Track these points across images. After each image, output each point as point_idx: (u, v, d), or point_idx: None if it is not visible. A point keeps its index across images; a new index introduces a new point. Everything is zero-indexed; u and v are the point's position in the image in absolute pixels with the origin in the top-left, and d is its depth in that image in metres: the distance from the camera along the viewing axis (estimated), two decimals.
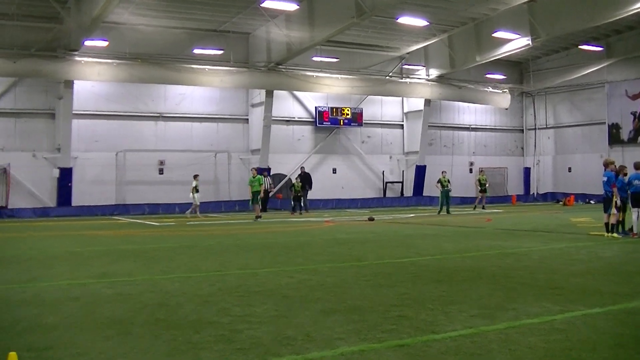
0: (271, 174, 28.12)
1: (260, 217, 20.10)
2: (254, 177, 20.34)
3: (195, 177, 23.21)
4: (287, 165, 29.16)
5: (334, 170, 31.12)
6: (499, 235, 13.40)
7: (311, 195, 27.47)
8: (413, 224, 17.95)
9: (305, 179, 25.24)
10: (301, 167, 27.15)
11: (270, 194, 27.16)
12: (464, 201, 32.14)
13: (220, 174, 28.52)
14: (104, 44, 24.44)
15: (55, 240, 13.66)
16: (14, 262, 9.49)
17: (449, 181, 23.73)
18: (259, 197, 20.16)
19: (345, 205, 29.59)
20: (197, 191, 22.84)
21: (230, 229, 17.15)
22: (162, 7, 23.89)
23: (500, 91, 33.55)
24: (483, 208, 26.42)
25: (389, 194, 32.08)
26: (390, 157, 32.59)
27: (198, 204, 22.96)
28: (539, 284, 6.94)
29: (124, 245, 12.17)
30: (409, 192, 32.55)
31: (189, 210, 23.06)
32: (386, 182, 31.99)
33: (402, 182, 32.51)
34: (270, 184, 26.41)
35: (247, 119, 29.24)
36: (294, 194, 24.51)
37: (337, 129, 30.95)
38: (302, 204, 24.68)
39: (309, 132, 30.45)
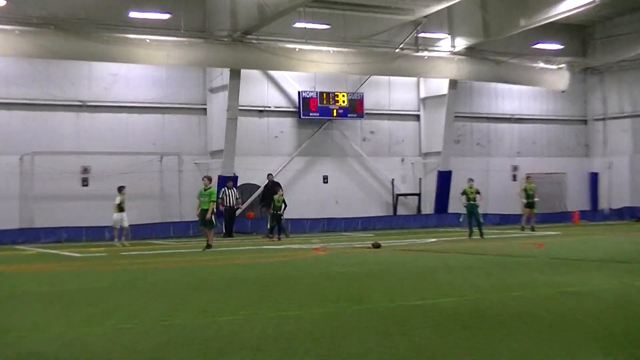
0: (238, 184, 28.07)
1: (211, 246, 20.09)
2: (205, 189, 20.21)
3: (121, 189, 23.09)
4: (260, 173, 28.79)
5: (325, 179, 31.32)
6: (555, 267, 13.48)
7: (292, 212, 27.62)
8: (434, 252, 18.06)
9: (274, 190, 25.30)
10: (268, 175, 27.13)
11: (238, 212, 27.19)
12: (505, 220, 32.22)
13: (168, 185, 28.46)
14: (0, 3, 24.33)
15: None
16: None
17: (477, 192, 24.05)
18: (213, 218, 20.10)
19: (341, 227, 29.83)
20: (121, 209, 22.77)
21: (182, 260, 17.29)
22: None
23: (555, 67, 33.61)
24: (532, 229, 26.52)
25: (400, 211, 32.23)
26: (403, 160, 32.79)
27: (126, 226, 22.88)
28: (612, 335, 6.95)
29: (32, 286, 12.14)
30: (428, 207, 32.75)
31: (116, 239, 22.93)
32: (397, 195, 32.08)
33: (419, 195, 32.58)
34: (237, 199, 26.45)
35: (205, 109, 29.38)
36: (273, 211, 24.56)
37: (329, 122, 31.10)
38: (281, 225, 24.71)
39: (291, 126, 30.66)
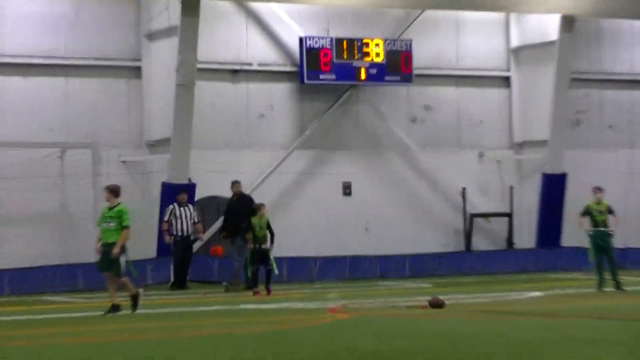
0: (196, 198, 28.36)
1: (118, 308, 19.62)
2: (110, 209, 19.85)
3: None
4: (233, 178, 28.21)
5: (347, 189, 31.72)
6: None
7: (290, 246, 28.22)
8: (539, 316, 17.91)
9: (242, 209, 25.50)
10: (233, 184, 27.04)
11: (196, 246, 27.73)
12: None
13: (75, 200, 28.49)
14: None
15: None
16: None
17: (610, 211, 24.27)
18: (122, 259, 19.58)
19: (375, 271, 30.14)
20: None
21: (96, 331, 17.08)
22: None
23: None
24: None
25: (479, 244, 32.84)
26: (481, 156, 33.29)
27: None
28: None
29: None
30: (526, 237, 33.27)
31: None
32: (472, 216, 32.58)
33: (509, 215, 32.93)
34: (194, 223, 26.89)
35: (139, 69, 29.89)
36: (253, 245, 24.53)
37: (354, 91, 31.53)
38: (268, 268, 24.66)
39: (287, 98, 31.17)
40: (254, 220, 24.45)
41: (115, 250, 19.19)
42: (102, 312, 19.47)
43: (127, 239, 19.55)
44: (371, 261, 30.18)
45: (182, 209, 26.40)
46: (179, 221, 26.36)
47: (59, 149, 28.19)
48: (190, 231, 26.55)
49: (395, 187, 31.95)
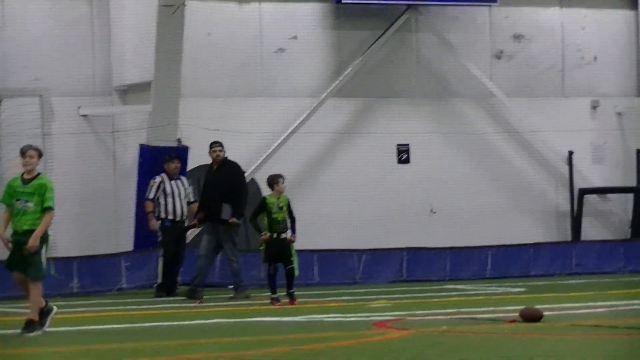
0: (188, 167, 29.07)
1: (33, 325, 18.91)
2: (24, 182, 18.74)
3: None
4: (241, 139, 29.74)
5: (403, 155, 32.55)
6: None
7: (321, 235, 29.22)
8: None
9: (224, 184, 26.02)
10: (212, 146, 26.59)
11: (190, 236, 28.50)
12: None
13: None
14: None
15: None
16: None
17: None
18: (43, 255, 18.87)
19: (444, 269, 30.90)
20: None
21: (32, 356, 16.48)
22: None
23: None
24: None
25: (591, 231, 33.49)
26: (595, 106, 33.91)
27: None
28: None
29: None
30: None
31: None
32: (581, 191, 33.12)
33: (636, 190, 33.56)
34: (189, 202, 27.30)
35: None
36: (270, 235, 24.38)
37: (412, 13, 32.32)
38: (289, 267, 24.50)
39: (317, 23, 32.23)
40: (270, 199, 24.22)
41: (33, 241, 18.30)
42: (20, 330, 18.72)
43: (49, 225, 18.83)
44: (438, 256, 30.64)
45: (172, 182, 26.59)
46: (169, 200, 26.61)
47: None
48: (184, 214, 26.61)
49: (471, 151, 32.71)
